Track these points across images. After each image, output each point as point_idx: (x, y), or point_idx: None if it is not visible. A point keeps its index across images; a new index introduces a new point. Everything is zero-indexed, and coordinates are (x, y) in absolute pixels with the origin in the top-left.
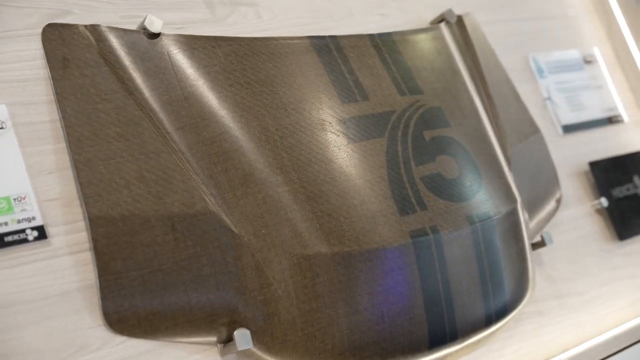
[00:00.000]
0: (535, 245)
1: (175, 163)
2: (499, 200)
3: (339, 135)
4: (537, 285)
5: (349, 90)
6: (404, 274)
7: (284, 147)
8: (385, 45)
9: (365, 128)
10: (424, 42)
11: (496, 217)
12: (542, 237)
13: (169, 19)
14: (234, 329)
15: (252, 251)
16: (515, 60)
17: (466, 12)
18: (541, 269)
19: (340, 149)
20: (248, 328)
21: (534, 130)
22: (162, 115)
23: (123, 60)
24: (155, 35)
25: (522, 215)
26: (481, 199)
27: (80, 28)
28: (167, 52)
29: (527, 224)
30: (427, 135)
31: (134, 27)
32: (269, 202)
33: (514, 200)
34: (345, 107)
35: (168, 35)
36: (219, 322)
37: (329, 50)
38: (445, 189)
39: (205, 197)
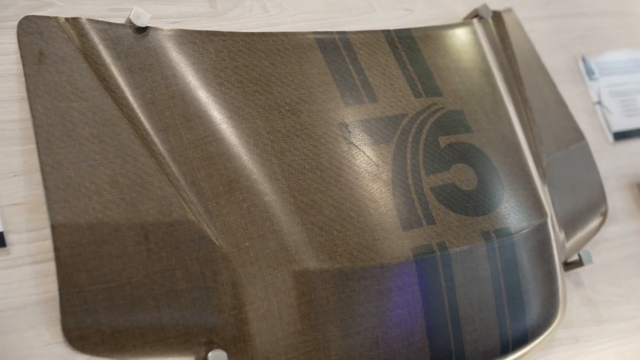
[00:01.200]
0: (571, 265)
1: (154, 167)
2: (524, 215)
3: (338, 140)
4: (574, 309)
5: (354, 91)
6: (403, 295)
7: (274, 152)
8: (402, 43)
9: (370, 132)
10: (448, 39)
11: (519, 233)
12: (579, 255)
13: (164, 12)
14: (211, 350)
15: (233, 265)
16: (561, 61)
17: (507, 7)
18: (580, 291)
19: (339, 155)
20: (226, 349)
21: (578, 137)
22: (143, 115)
23: (105, 55)
24: (142, 30)
25: (554, 232)
26: (502, 213)
27: (60, 21)
28: (154, 47)
29: (561, 241)
30: (443, 141)
31: (122, 20)
32: (254, 212)
33: (543, 215)
34: (349, 109)
35: (156, 29)
36: (194, 342)
37: (336, 47)
38: (459, 202)
39: (184, 204)
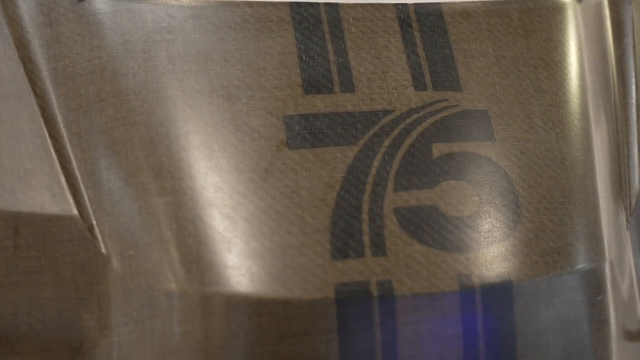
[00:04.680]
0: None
1: (48, 152)
2: (549, 258)
3: (276, 136)
4: None
5: (323, 76)
6: (313, 345)
7: (187, 144)
8: (421, 21)
9: (327, 130)
10: (504, 18)
11: (527, 282)
12: None
13: None
14: None
15: (114, 276)
16: None
17: None
18: None
19: (272, 156)
20: None
21: None
22: (58, 92)
23: (30, 22)
24: None
25: (621, 287)
26: (502, 253)
27: None
28: (87, 15)
29: (626, 301)
30: (439, 150)
31: None
32: (144, 215)
33: (590, 260)
34: (308, 99)
35: None
36: None
37: (317, 21)
38: (436, 231)
39: (70, 198)
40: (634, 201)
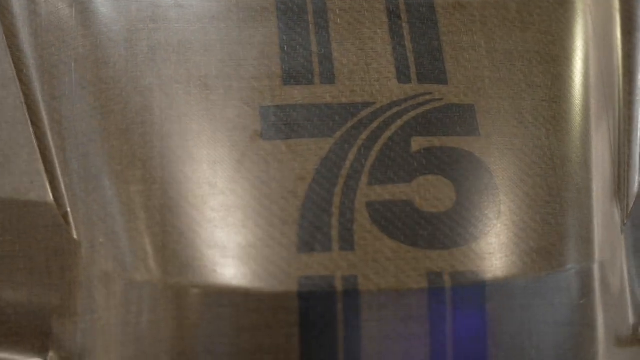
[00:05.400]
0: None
1: (29, 139)
2: (526, 257)
3: (251, 127)
4: None
5: (304, 67)
6: (272, 338)
7: (162, 134)
8: (410, 12)
9: (304, 122)
10: (501, 10)
11: (499, 281)
12: None
13: None
14: (44, 358)
15: (84, 263)
16: None
17: None
18: None
19: (245, 146)
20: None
21: None
22: (43, 79)
23: (20, 11)
24: None
25: (602, 288)
26: (478, 251)
27: None
28: (76, 4)
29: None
30: (418, 144)
31: None
32: (115, 203)
33: (575, 261)
34: (286, 90)
35: None
36: (25, 345)
37: (302, 11)
38: (409, 226)
39: (47, 185)
40: (632, 202)
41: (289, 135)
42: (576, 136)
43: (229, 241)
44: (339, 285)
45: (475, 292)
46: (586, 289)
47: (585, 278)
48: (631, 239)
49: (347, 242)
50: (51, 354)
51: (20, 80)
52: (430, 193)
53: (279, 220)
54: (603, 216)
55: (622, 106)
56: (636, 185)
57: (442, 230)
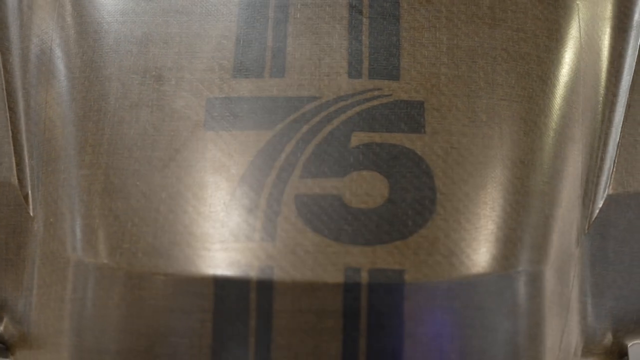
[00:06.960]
0: None
1: (5, 123)
2: (458, 259)
3: (195, 118)
4: None
5: (256, 61)
6: (186, 321)
7: (113, 121)
8: (373, 7)
9: (248, 114)
10: (470, 6)
11: (419, 283)
12: (627, 350)
13: None
14: None
15: (37, 241)
16: None
17: None
18: None
19: (185, 137)
20: (13, 329)
21: None
22: (25, 67)
23: (12, 5)
24: None
25: (550, 296)
26: (402, 249)
27: None
28: None
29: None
30: (358, 139)
31: None
32: (66, 186)
33: (510, 266)
34: (234, 83)
35: None
36: None
37: (263, 5)
38: (333, 221)
39: (14, 166)
40: (597, 208)
41: (232, 126)
42: (540, 137)
43: (155, 227)
44: (254, 275)
45: (393, 290)
46: (519, 296)
47: (527, 285)
48: (591, 247)
49: (269, 234)
50: (5, 323)
51: (5, 68)
52: (361, 189)
53: (207, 209)
54: (562, 221)
55: (603, 108)
56: (602, 190)
57: (368, 227)
